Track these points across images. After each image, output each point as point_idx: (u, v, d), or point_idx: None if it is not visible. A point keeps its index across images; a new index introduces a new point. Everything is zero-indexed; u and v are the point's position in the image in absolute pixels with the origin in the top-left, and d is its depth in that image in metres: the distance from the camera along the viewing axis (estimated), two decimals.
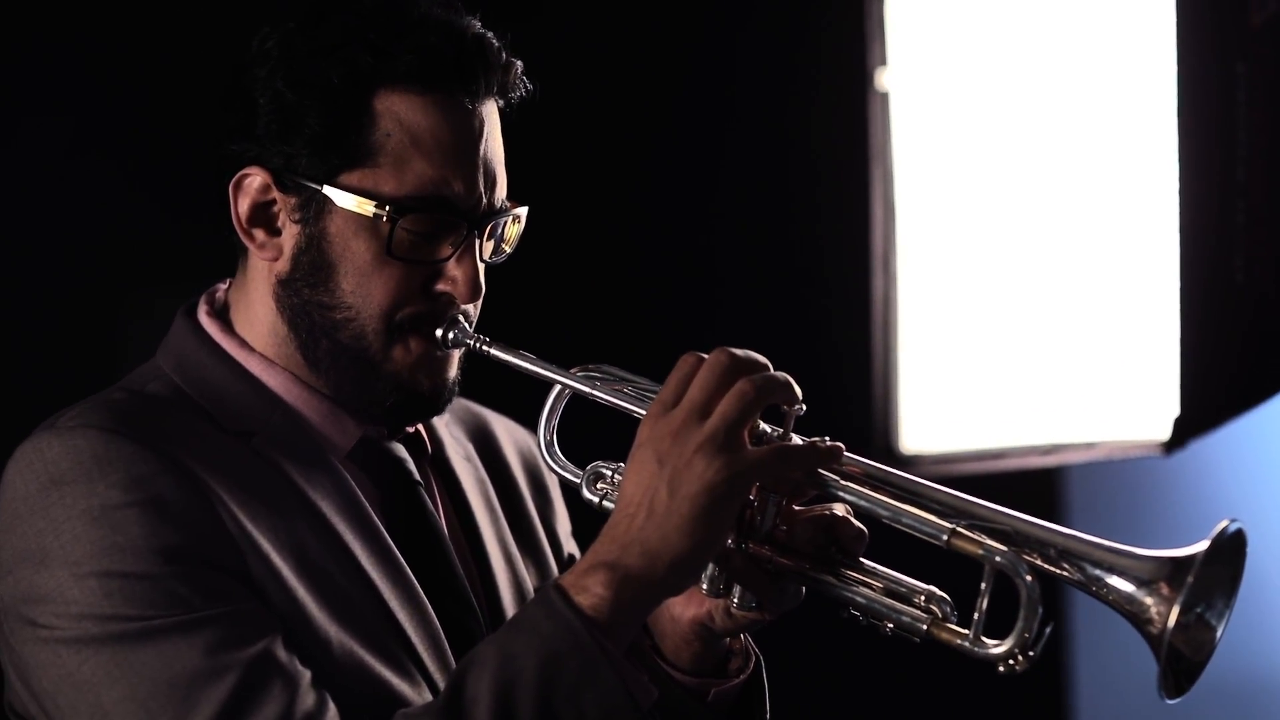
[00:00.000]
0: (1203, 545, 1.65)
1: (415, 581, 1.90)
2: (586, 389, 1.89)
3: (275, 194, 1.90)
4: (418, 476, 1.99)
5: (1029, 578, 1.67)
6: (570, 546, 2.19)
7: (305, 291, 1.91)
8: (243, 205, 1.91)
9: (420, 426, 2.05)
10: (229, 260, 1.99)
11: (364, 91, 1.86)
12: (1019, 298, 3.29)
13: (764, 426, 1.75)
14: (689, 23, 3.67)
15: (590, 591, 1.70)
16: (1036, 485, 3.57)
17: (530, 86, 1.96)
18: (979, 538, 1.70)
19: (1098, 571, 1.68)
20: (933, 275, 3.45)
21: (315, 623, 1.81)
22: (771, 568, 1.79)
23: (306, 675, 1.76)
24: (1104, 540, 1.70)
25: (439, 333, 1.92)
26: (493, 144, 1.92)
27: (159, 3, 3.15)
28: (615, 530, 1.72)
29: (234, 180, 1.90)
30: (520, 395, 2.07)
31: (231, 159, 1.91)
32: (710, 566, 1.80)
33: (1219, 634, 1.69)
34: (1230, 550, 1.68)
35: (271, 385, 1.93)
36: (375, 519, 1.91)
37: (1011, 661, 1.68)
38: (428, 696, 1.84)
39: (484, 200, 1.91)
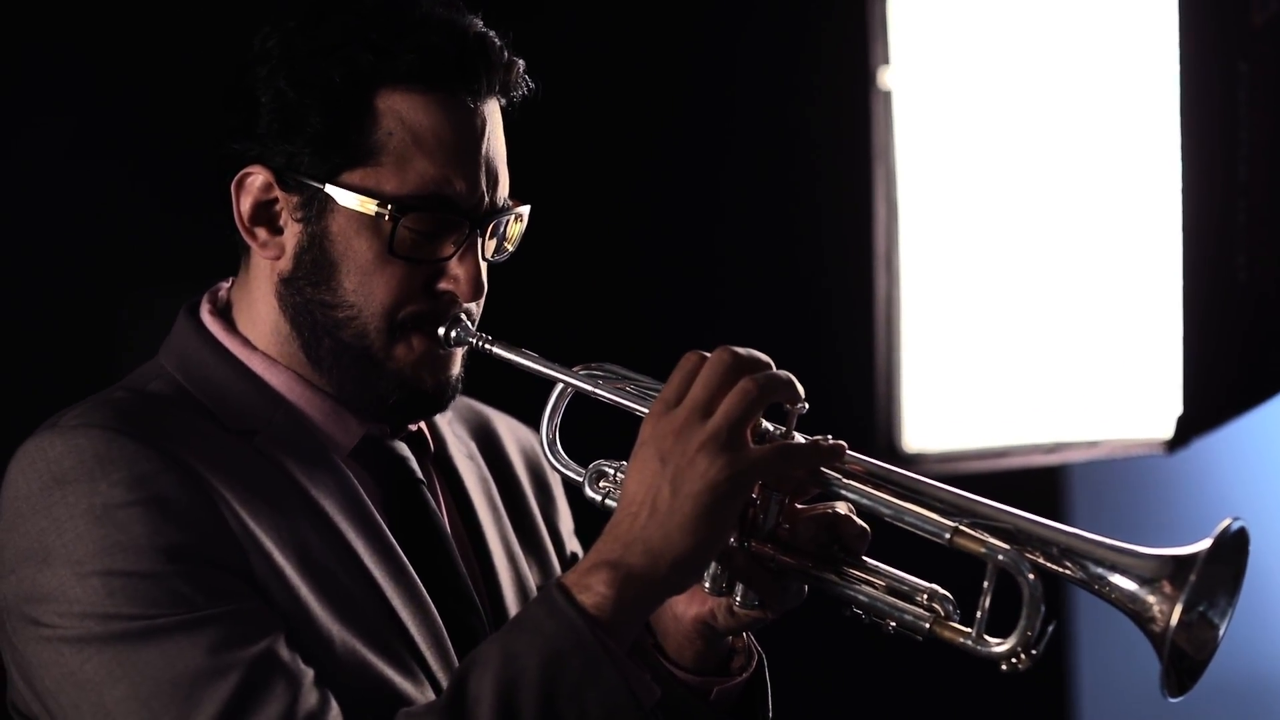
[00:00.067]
0: (1205, 544, 1.65)
1: (418, 580, 1.90)
2: (589, 387, 1.89)
3: (277, 193, 1.90)
4: (420, 475, 1.99)
5: (1031, 576, 1.67)
6: (573, 545, 2.19)
7: (307, 290, 1.91)
8: (245, 204, 1.91)
9: (423, 425, 2.05)
10: (231, 259, 1.99)
11: (366, 90, 1.86)
12: (1021, 296, 3.28)
13: (766, 425, 1.75)
14: (691, 22, 3.66)
15: (593, 590, 1.70)
16: (1039, 484, 3.56)
17: (532, 85, 1.96)
18: (981, 536, 1.70)
19: (1100, 570, 1.68)
20: (935, 274, 3.45)
21: (318, 621, 1.81)
22: (774, 566, 1.79)
23: (309, 674, 1.75)
24: (1107, 539, 1.70)
25: (441, 331, 1.92)
26: (495, 143, 1.92)
27: (159, 3, 3.14)
28: (618, 529, 1.72)
29: (236, 179, 1.91)
30: (522, 394, 2.07)
31: (233, 158, 1.91)
32: (713, 565, 1.80)
33: (1222, 632, 1.69)
34: (1233, 549, 1.68)
35: (274, 384, 1.93)
36: (378, 517, 1.91)
37: (1014, 660, 1.68)
38: (431, 695, 1.84)
39: (486, 199, 1.91)
